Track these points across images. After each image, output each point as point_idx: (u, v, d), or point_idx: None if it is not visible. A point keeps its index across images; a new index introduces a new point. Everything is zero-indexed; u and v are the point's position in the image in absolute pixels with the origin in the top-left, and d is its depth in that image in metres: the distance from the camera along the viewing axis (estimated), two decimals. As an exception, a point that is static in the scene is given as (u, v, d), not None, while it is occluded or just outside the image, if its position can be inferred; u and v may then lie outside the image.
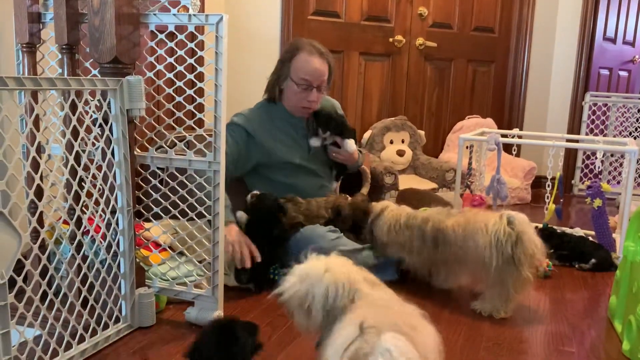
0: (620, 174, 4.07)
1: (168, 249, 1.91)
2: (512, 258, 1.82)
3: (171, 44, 1.76)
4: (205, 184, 1.74)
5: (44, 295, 1.43)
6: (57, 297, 1.47)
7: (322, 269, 1.25)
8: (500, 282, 1.87)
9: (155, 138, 1.83)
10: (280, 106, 2.36)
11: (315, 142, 2.35)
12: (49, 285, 1.47)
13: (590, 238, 2.58)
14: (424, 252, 2.04)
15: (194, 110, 1.77)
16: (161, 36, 1.75)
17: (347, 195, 2.38)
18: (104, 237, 1.66)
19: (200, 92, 1.83)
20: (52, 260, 1.74)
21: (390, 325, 1.06)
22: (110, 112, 1.64)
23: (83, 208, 1.58)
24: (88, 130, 1.58)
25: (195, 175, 1.76)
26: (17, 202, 1.26)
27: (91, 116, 1.59)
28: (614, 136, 4.15)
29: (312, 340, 1.67)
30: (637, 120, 4.28)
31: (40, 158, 1.45)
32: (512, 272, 1.83)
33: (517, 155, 3.95)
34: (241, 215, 2.14)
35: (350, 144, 2.38)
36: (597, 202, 2.52)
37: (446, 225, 1.98)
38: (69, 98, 1.51)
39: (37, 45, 1.79)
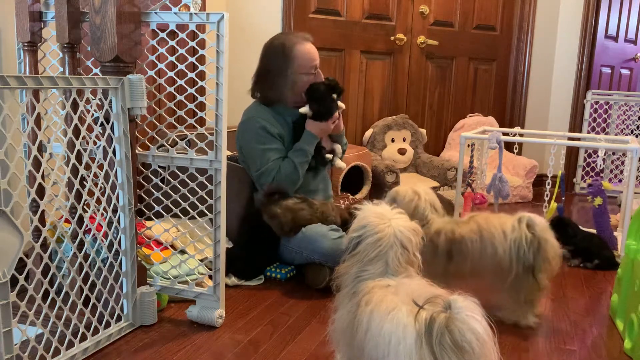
0: (621, 172, 4.07)
1: (170, 247, 1.91)
2: (532, 266, 1.70)
3: (172, 43, 1.76)
4: (206, 183, 1.74)
5: (46, 293, 1.44)
6: (58, 296, 1.47)
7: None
8: (515, 290, 1.76)
9: (156, 137, 1.83)
10: (276, 107, 2.36)
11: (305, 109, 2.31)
12: (51, 283, 1.48)
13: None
14: (438, 265, 1.82)
15: (195, 109, 1.77)
16: (162, 35, 1.75)
17: (354, 198, 2.37)
18: (105, 235, 1.66)
19: (202, 91, 1.83)
20: (54, 259, 1.75)
21: (435, 295, 1.08)
22: (112, 110, 1.64)
23: (85, 207, 1.59)
24: (89, 129, 1.59)
25: (197, 174, 1.76)
26: (19, 201, 1.26)
27: (92, 115, 1.59)
28: (616, 134, 4.15)
29: (312, 341, 1.69)
30: (639, 118, 4.27)
31: (42, 157, 1.46)
32: (529, 280, 1.72)
33: (519, 153, 3.96)
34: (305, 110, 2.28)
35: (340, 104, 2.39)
36: (598, 201, 2.52)
37: (461, 235, 1.79)
38: (71, 97, 1.52)
39: (39, 44, 1.79)
